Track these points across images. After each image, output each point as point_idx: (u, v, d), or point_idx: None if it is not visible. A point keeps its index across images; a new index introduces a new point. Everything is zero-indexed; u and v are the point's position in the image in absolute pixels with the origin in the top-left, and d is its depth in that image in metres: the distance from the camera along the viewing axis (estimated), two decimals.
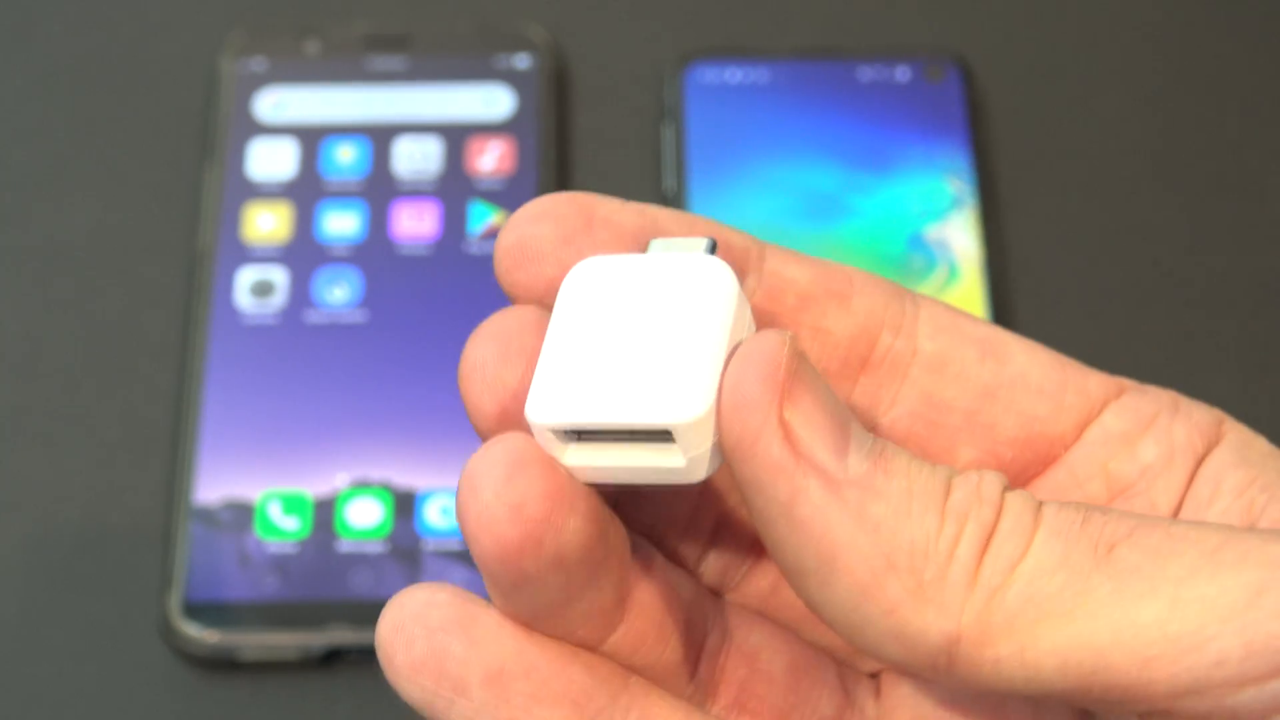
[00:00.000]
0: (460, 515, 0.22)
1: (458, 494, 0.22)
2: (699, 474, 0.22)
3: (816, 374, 0.22)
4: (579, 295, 0.23)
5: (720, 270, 0.23)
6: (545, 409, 0.22)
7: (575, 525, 0.22)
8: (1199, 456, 0.25)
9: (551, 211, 0.24)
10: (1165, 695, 0.21)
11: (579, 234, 0.24)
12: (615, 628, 0.24)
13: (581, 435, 0.22)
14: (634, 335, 0.22)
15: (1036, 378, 0.26)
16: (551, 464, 0.22)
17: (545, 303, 0.24)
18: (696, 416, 0.22)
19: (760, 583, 0.26)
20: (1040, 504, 0.22)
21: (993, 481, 0.22)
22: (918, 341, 0.25)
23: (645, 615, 0.24)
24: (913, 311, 0.25)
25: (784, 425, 0.21)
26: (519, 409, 0.23)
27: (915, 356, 0.26)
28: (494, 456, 0.22)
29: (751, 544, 0.26)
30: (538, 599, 0.23)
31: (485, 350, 0.23)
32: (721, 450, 0.22)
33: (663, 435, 0.22)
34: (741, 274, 0.24)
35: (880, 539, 0.21)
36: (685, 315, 0.22)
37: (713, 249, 0.24)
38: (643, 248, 0.24)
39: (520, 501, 0.22)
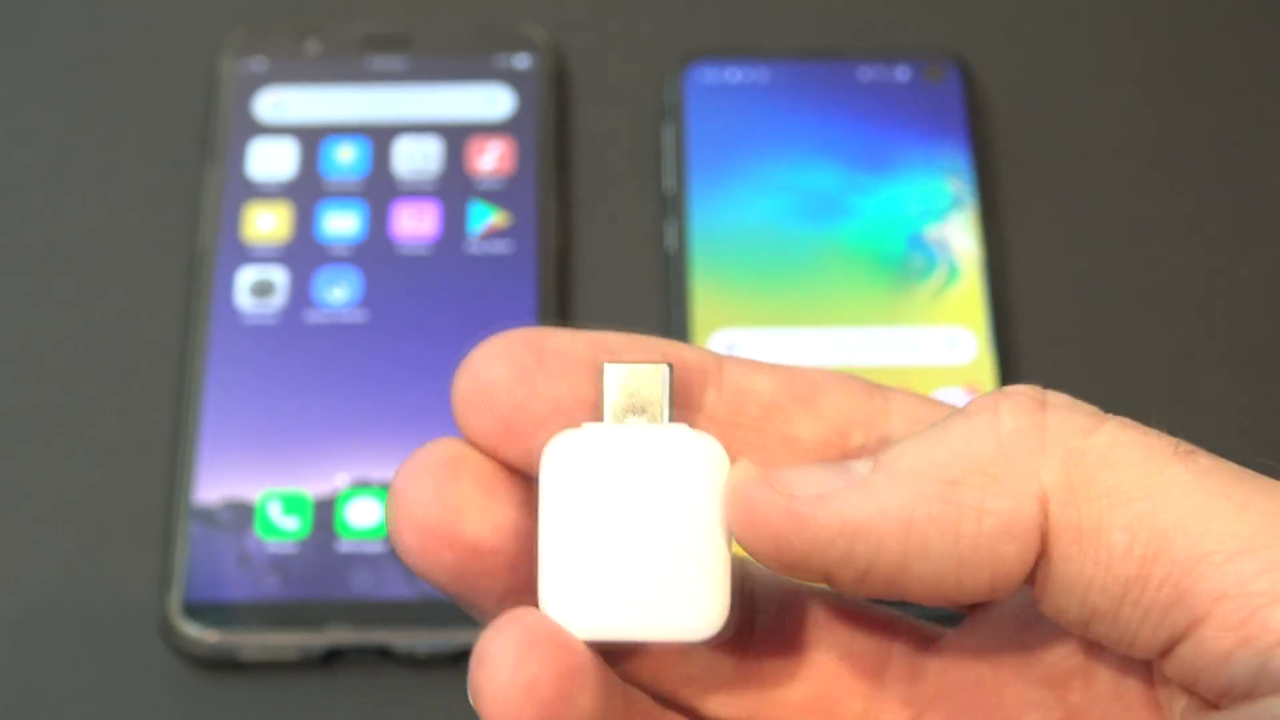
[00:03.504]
0: (475, 695, 0.22)
1: (471, 674, 0.22)
2: (713, 630, 0.23)
3: (782, 467, 0.23)
4: (564, 477, 0.23)
5: (708, 451, 0.23)
6: (573, 616, 0.23)
7: (587, 700, 0.22)
8: None
9: (504, 352, 0.24)
10: (1209, 595, 0.21)
11: (532, 371, 0.24)
12: None
13: None
14: (636, 529, 0.23)
15: None
16: (563, 640, 0.22)
17: (502, 442, 0.24)
18: (716, 630, 0.23)
19: None
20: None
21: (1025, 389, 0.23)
22: (890, 436, 0.25)
23: None
24: (883, 406, 0.25)
25: (791, 504, 0.22)
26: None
27: None
28: (507, 636, 0.22)
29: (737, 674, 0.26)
30: None
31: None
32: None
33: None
34: (700, 390, 0.25)
35: (926, 481, 0.22)
36: (684, 507, 0.23)
37: (670, 372, 0.24)
38: (597, 372, 0.24)
39: (533, 682, 0.22)
